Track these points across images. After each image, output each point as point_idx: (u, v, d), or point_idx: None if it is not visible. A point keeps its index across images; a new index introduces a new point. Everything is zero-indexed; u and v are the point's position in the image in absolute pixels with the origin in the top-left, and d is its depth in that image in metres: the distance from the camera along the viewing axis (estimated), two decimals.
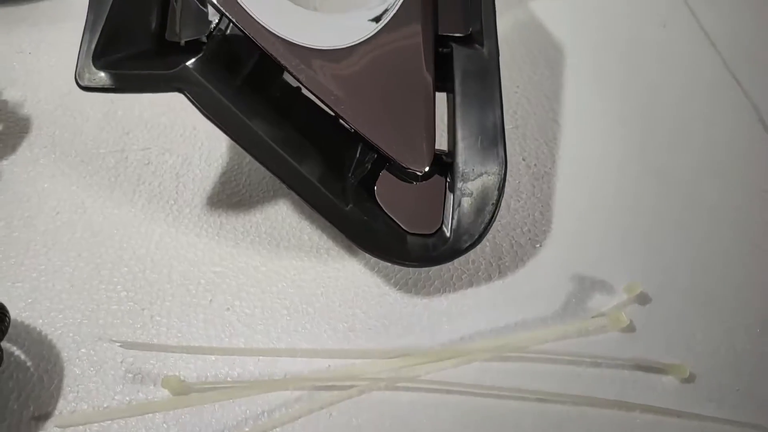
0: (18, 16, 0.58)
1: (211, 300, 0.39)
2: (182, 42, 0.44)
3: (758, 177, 0.46)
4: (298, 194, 0.37)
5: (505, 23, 0.54)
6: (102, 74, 0.36)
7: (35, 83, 0.52)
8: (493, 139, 0.40)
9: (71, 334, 0.37)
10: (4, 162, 0.46)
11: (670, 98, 0.51)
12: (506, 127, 0.40)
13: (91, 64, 0.36)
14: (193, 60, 0.38)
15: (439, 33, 0.44)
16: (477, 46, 0.43)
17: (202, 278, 0.40)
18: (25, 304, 0.38)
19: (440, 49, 0.43)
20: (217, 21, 0.43)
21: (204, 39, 0.44)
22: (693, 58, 0.55)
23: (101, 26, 0.38)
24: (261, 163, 0.37)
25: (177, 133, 0.48)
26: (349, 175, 0.41)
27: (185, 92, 0.37)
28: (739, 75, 0.53)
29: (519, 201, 0.44)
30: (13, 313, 0.36)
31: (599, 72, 0.53)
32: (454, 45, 0.43)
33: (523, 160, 0.46)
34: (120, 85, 0.36)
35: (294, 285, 0.40)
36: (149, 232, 0.42)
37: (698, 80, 0.53)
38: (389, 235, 0.38)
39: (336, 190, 0.39)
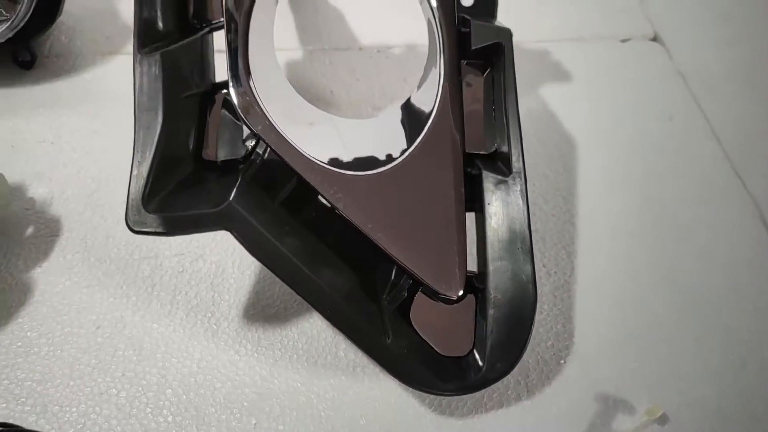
0: (37, 100, 0.59)
1: (255, 424, 0.41)
2: (219, 161, 0.45)
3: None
4: (340, 330, 0.39)
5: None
6: (153, 217, 0.37)
7: (61, 178, 0.53)
8: (523, 265, 0.42)
9: None
10: (38, 269, 0.47)
11: (678, 199, 0.54)
12: None
13: (142, 208, 0.37)
14: (234, 192, 0.39)
15: (466, 151, 0.46)
16: (503, 167, 0.45)
17: (245, 400, 0.42)
18: (75, 431, 0.40)
19: (468, 170, 0.45)
20: (253, 143, 0.44)
21: (240, 158, 0.46)
22: (698, 154, 0.57)
23: (149, 166, 0.39)
24: (304, 298, 0.39)
25: (209, 237, 0.49)
26: (384, 296, 0.43)
27: (233, 232, 0.38)
28: (742, 173, 0.56)
29: (541, 313, 0.46)
30: None
31: (610, 168, 0.56)
32: (482, 168, 0.45)
33: (544, 266, 0.49)
34: (170, 229, 0.38)
35: (334, 407, 0.41)
36: (190, 349, 0.44)
37: (705, 183, 0.56)
38: (425, 365, 0.40)
39: (372, 317, 0.41)
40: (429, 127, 0.45)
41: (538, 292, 0.46)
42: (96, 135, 0.56)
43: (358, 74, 0.62)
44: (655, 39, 0.68)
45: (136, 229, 0.37)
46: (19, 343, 0.43)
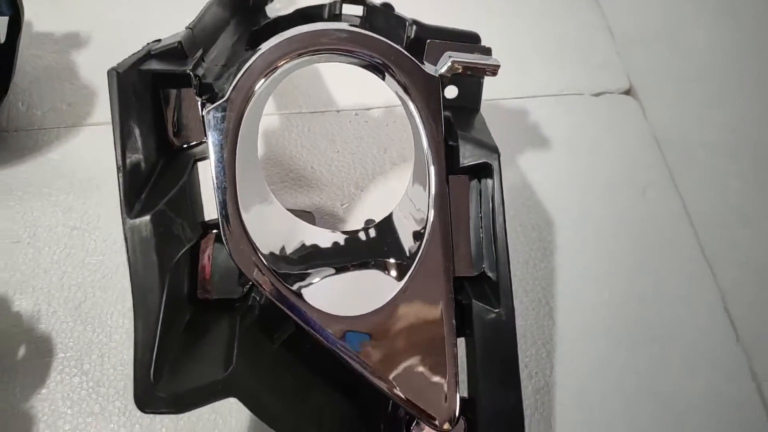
0: (3, 187, 0.56)
1: None
2: (213, 298, 0.46)
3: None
4: None
5: None
6: (161, 396, 0.38)
7: (45, 287, 0.52)
8: (511, 392, 0.45)
9: None
10: (38, 396, 0.48)
11: (651, 293, 0.57)
12: None
13: (151, 389, 0.38)
14: (235, 353, 0.40)
15: (457, 275, 0.47)
16: (491, 294, 0.47)
17: None
18: None
19: (459, 298, 0.47)
20: (249, 285, 0.45)
21: (236, 297, 0.46)
22: (672, 237, 0.60)
23: (152, 340, 0.39)
24: None
25: None
26: (382, 426, 0.46)
27: (240, 399, 0.40)
28: (711, 259, 0.59)
29: (524, 419, 0.50)
30: None
31: (587, 252, 0.58)
32: (471, 297, 0.46)
33: (525, 367, 0.52)
34: (180, 407, 0.39)
35: None
36: None
37: (678, 273, 0.58)
38: None
39: None
40: (419, 259, 0.46)
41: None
42: (75, 232, 0.55)
43: (338, 145, 0.61)
44: (628, 92, 0.68)
45: (147, 410, 0.38)
46: None
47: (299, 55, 0.44)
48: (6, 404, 0.47)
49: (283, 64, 0.44)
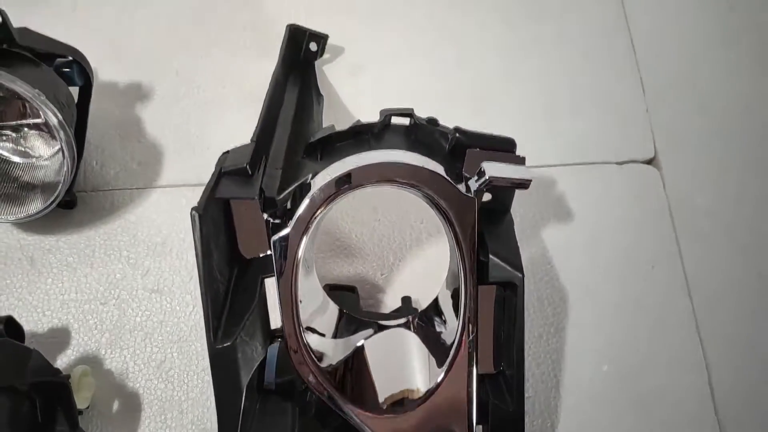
0: (85, 248, 0.64)
1: None
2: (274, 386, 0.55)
3: None
4: None
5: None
6: None
7: (131, 347, 0.62)
8: None
9: None
10: None
11: (649, 372, 0.65)
12: None
13: None
14: None
15: (481, 372, 0.56)
16: (507, 394, 0.55)
17: None
18: None
19: (479, 395, 0.55)
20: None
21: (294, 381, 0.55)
22: (671, 313, 0.67)
23: None
24: None
25: None
26: None
27: None
28: (706, 344, 0.67)
29: None
30: None
31: (595, 327, 0.66)
32: (490, 395, 0.55)
33: None
34: None
35: None
36: None
37: (673, 353, 0.66)
38: None
39: None
40: (448, 364, 0.54)
41: None
42: (154, 295, 0.64)
43: (380, 214, 0.68)
44: (651, 161, 0.73)
45: None
46: None
47: (351, 188, 0.50)
48: None
49: (338, 195, 0.50)
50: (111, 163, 0.68)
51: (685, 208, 0.71)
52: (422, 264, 0.67)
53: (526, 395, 0.63)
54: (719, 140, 0.74)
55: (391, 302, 0.65)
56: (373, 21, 0.76)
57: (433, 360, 0.56)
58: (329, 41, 0.73)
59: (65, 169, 0.58)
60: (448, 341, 0.54)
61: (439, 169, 0.52)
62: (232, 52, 0.72)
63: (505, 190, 0.58)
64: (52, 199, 0.59)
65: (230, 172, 0.51)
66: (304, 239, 0.50)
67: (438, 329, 0.58)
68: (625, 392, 0.64)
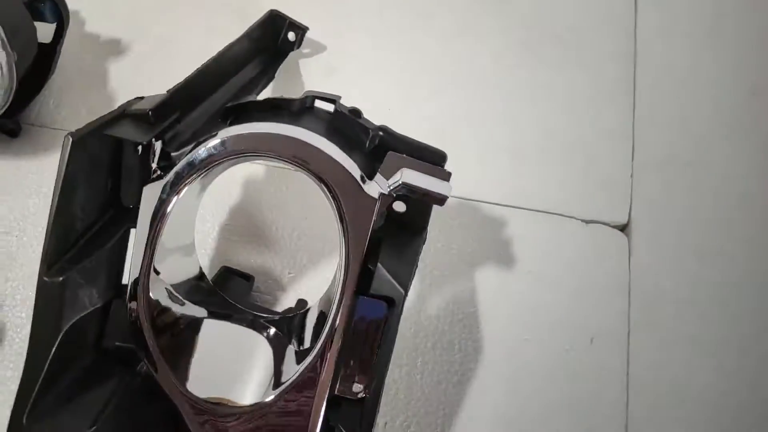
0: (11, 179, 0.64)
1: None
2: (114, 347, 0.50)
3: None
4: None
5: None
6: None
7: (17, 278, 0.60)
8: None
9: None
10: None
11: None
12: None
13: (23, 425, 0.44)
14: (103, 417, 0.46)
15: (336, 393, 0.49)
16: (359, 422, 0.48)
17: None
18: None
19: (328, 419, 0.49)
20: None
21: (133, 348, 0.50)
22: (601, 392, 0.58)
23: (35, 387, 0.44)
24: None
25: None
26: None
27: None
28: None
29: None
30: None
31: (506, 390, 0.58)
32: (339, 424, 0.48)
33: None
34: None
35: None
36: None
37: None
38: None
39: None
40: (300, 374, 0.48)
41: None
42: None
43: (308, 212, 0.64)
44: (624, 228, 0.65)
45: None
46: None
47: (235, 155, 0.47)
48: None
49: (223, 161, 0.47)
50: (66, 105, 0.68)
51: (647, 286, 0.62)
52: (333, 272, 0.61)
53: None
54: (701, 229, 0.65)
55: (289, 303, 0.60)
56: (368, 31, 0.74)
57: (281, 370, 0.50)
58: (314, 37, 0.71)
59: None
60: (302, 356, 0.49)
61: (345, 159, 0.48)
62: (215, 31, 0.72)
63: (420, 204, 0.52)
64: None
65: (131, 114, 0.49)
66: (175, 198, 0.47)
67: (295, 339, 0.52)
68: None
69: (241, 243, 0.62)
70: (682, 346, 0.60)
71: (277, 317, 0.54)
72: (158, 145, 0.49)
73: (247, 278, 0.59)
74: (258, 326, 0.53)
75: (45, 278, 0.46)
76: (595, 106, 0.70)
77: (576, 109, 0.69)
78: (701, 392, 0.58)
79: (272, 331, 0.53)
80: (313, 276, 0.61)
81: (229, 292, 0.56)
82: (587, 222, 0.65)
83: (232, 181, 0.64)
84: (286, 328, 0.54)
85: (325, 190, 0.47)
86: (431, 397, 0.57)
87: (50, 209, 0.45)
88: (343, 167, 0.47)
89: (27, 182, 0.64)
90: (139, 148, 0.48)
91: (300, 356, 0.50)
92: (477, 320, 0.60)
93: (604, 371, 0.59)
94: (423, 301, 0.60)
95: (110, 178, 0.50)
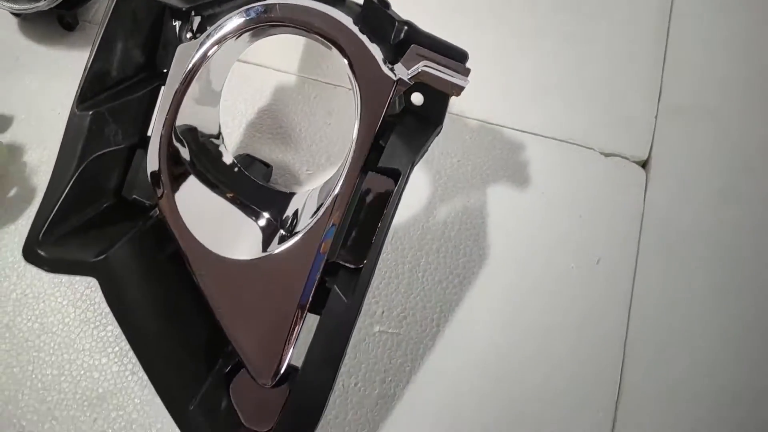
0: (66, 67, 0.68)
1: None
2: (131, 198, 0.53)
3: None
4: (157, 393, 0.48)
5: None
6: (41, 255, 0.47)
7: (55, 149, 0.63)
8: (326, 371, 0.47)
9: None
10: (6, 231, 0.60)
11: (556, 358, 0.55)
12: None
13: (36, 246, 0.47)
14: (116, 247, 0.48)
15: (333, 260, 0.50)
16: (354, 285, 0.49)
17: None
18: None
19: (325, 281, 0.50)
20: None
21: (148, 204, 0.53)
22: (603, 314, 0.57)
23: (51, 210, 0.48)
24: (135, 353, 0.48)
25: None
26: (221, 357, 0.51)
27: (99, 281, 0.47)
28: (629, 348, 0.56)
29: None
30: None
31: (506, 296, 0.58)
32: (336, 285, 0.49)
33: (384, 371, 0.54)
34: (52, 269, 0.47)
35: None
36: None
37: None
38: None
39: (190, 377, 0.49)
40: (304, 234, 0.49)
41: None
42: None
43: (333, 118, 0.66)
44: (644, 164, 0.64)
45: (27, 259, 0.47)
46: None
47: (281, 26, 0.50)
48: None
49: (257, 27, 0.50)
50: None
51: (660, 219, 0.61)
52: None
53: (396, 329, 0.55)
54: (720, 171, 0.64)
55: None
56: None
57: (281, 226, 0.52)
58: None
59: None
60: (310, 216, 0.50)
61: (370, 43, 0.50)
62: None
63: (437, 95, 0.54)
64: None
65: None
66: (211, 52, 0.50)
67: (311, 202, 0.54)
68: (511, 384, 0.54)
69: (264, 138, 0.64)
70: (690, 274, 0.59)
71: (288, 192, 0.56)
72: (197, 19, 0.52)
73: (267, 166, 0.62)
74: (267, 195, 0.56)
75: (76, 110, 0.49)
76: (628, 52, 0.70)
77: (608, 54, 0.70)
78: (704, 324, 0.57)
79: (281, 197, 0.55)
80: (329, 175, 0.63)
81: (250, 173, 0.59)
82: (607, 155, 0.65)
83: (265, 85, 0.67)
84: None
85: (349, 70, 0.49)
86: (430, 294, 0.57)
87: (89, 53, 0.49)
88: (367, 48, 0.50)
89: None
90: (177, 23, 0.51)
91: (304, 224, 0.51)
92: (485, 230, 0.60)
93: (609, 292, 0.58)
94: (433, 207, 0.61)
95: (149, 43, 0.54)
